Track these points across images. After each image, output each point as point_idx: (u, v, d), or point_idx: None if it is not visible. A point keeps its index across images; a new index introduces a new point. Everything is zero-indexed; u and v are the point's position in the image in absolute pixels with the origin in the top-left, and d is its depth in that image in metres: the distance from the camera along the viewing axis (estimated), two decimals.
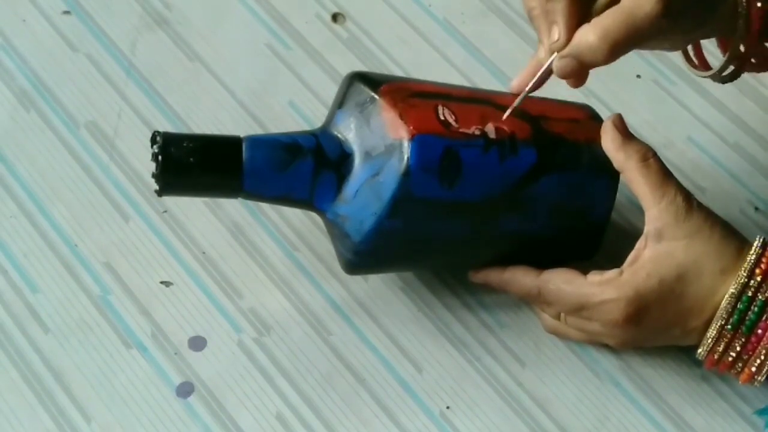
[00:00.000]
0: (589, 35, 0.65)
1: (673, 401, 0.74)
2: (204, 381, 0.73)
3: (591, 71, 0.85)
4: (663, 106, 0.86)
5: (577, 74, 0.67)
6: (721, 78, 0.72)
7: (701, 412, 0.73)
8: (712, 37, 0.72)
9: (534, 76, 0.70)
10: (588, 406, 0.73)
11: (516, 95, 0.70)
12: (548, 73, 0.68)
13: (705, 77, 0.73)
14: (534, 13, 0.67)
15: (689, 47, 0.74)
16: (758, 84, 0.87)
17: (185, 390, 0.72)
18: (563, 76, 0.67)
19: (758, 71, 0.73)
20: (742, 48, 0.70)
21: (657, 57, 0.88)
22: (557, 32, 0.66)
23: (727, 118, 0.86)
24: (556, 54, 0.66)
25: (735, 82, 0.87)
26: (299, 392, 0.72)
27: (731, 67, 0.71)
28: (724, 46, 0.73)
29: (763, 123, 0.86)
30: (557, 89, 0.70)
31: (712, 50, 0.74)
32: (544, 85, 0.70)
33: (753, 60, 0.71)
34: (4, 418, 0.70)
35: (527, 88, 0.69)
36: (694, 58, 0.74)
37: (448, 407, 0.73)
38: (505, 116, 0.68)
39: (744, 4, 0.68)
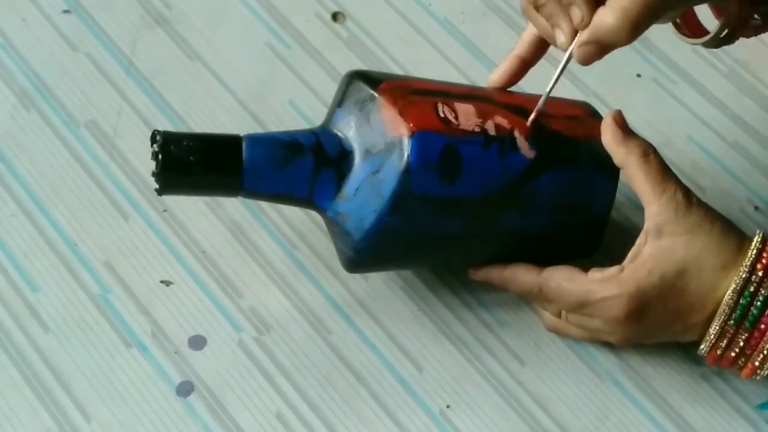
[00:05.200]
0: (608, 18, 0.63)
1: (673, 400, 0.74)
2: (204, 380, 0.72)
3: (591, 70, 0.85)
4: (663, 105, 0.86)
5: (597, 59, 0.66)
6: (716, 42, 0.71)
7: (701, 410, 0.73)
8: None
9: (511, 70, 0.71)
10: (588, 405, 0.73)
11: (517, 96, 0.71)
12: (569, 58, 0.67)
13: (698, 44, 0.72)
14: (542, 0, 0.66)
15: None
16: (758, 83, 0.88)
17: (185, 389, 0.72)
18: (585, 63, 0.66)
19: (753, 35, 0.72)
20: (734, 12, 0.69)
21: (657, 56, 0.88)
22: (578, 13, 0.64)
23: (727, 117, 0.86)
24: (576, 40, 0.65)
25: (735, 81, 0.88)
26: (299, 391, 0.72)
27: (726, 31, 0.70)
28: (718, 11, 0.72)
29: (762, 122, 0.86)
30: (558, 88, 0.70)
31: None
32: (545, 84, 0.71)
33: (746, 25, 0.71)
34: (4, 418, 0.70)
35: (549, 86, 0.68)
36: (684, 27, 0.73)
37: (448, 406, 0.73)
38: (530, 121, 0.69)
39: None
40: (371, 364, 0.74)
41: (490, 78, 0.72)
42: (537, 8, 0.66)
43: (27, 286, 0.75)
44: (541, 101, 0.69)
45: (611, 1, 0.64)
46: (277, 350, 0.74)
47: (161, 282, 0.76)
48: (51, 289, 0.75)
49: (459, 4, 0.90)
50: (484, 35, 0.89)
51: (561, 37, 0.66)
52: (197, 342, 0.74)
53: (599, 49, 0.65)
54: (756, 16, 0.71)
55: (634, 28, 0.63)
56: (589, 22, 0.64)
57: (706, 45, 0.72)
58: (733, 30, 0.70)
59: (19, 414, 0.71)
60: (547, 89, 0.69)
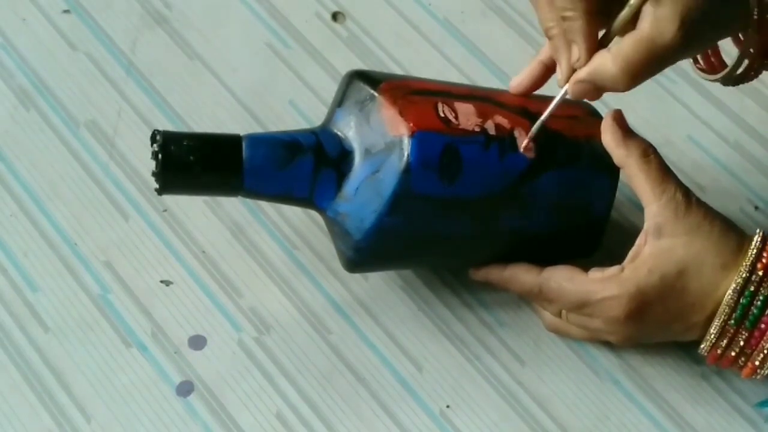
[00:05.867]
0: (609, 65, 0.63)
1: (673, 400, 0.74)
2: (204, 380, 0.73)
3: None
4: (663, 105, 0.86)
5: (592, 98, 0.66)
6: (732, 80, 0.70)
7: (700, 410, 0.73)
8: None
9: (534, 75, 0.70)
10: (588, 405, 0.73)
11: (516, 95, 0.71)
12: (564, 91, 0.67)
13: (714, 80, 0.71)
14: (552, 32, 0.65)
15: None
16: (758, 83, 0.87)
17: (185, 389, 0.72)
18: (578, 98, 0.66)
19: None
20: (746, 62, 0.68)
21: None
22: (576, 52, 0.64)
23: (727, 116, 0.86)
24: (574, 75, 0.65)
25: None
26: (299, 391, 0.72)
27: (743, 66, 0.69)
28: (738, 42, 0.71)
29: (763, 122, 0.86)
30: (558, 89, 0.70)
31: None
32: (545, 85, 0.71)
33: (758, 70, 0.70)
34: (4, 418, 0.70)
35: (543, 116, 0.68)
36: (701, 61, 0.73)
37: (448, 406, 0.73)
38: (525, 143, 0.68)
39: (755, 16, 0.65)
40: (371, 364, 0.74)
41: (511, 83, 0.71)
42: (548, 37, 0.66)
43: (27, 286, 0.75)
44: (534, 128, 0.69)
45: (615, 47, 0.63)
46: (277, 350, 0.74)
47: (161, 282, 0.76)
48: (51, 289, 0.75)
49: (459, 4, 0.90)
50: (484, 35, 0.89)
51: (558, 73, 0.66)
52: (197, 342, 0.74)
53: (594, 90, 0.65)
54: None
55: (634, 78, 0.63)
56: (586, 63, 0.64)
57: (723, 82, 0.71)
58: (751, 65, 0.69)
59: (19, 414, 0.71)
60: (541, 118, 0.68)
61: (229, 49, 0.87)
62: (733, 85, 0.71)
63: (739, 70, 0.69)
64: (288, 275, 0.77)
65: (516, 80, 0.72)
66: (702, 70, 0.73)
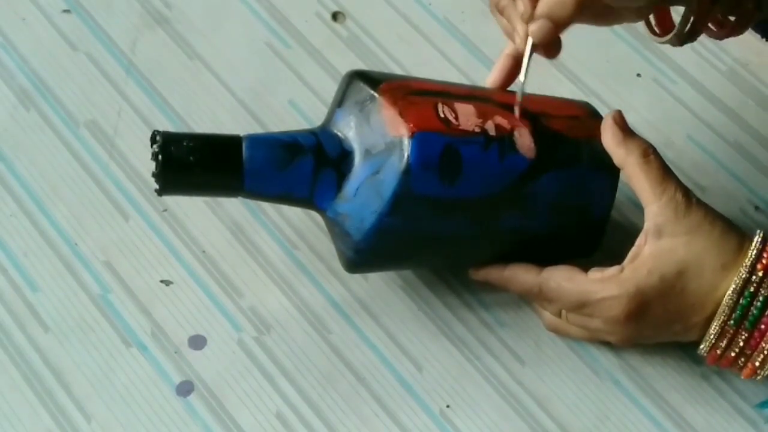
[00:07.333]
0: None
1: (673, 400, 0.74)
2: (204, 380, 0.73)
3: (591, 70, 0.85)
4: (663, 105, 0.86)
5: (552, 35, 0.68)
6: (679, 39, 0.73)
7: (701, 410, 0.74)
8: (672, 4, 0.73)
9: (505, 68, 0.72)
10: (588, 405, 0.73)
11: (500, 90, 0.72)
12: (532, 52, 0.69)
13: (664, 42, 0.74)
14: (502, 3, 0.69)
15: (651, 16, 0.75)
16: (758, 83, 0.88)
17: (185, 389, 0.72)
18: (541, 40, 0.68)
19: (726, 36, 0.74)
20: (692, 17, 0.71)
21: (657, 56, 0.88)
22: (521, 4, 0.68)
23: (727, 116, 0.86)
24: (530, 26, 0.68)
25: (735, 80, 0.88)
26: (299, 391, 0.72)
27: (688, 26, 0.72)
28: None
29: (763, 122, 0.86)
30: (558, 88, 0.70)
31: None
32: (545, 85, 0.71)
33: (710, 25, 0.73)
34: (4, 417, 0.70)
35: (521, 74, 0.70)
36: (655, 27, 0.75)
37: (448, 406, 0.73)
38: (517, 112, 0.70)
39: None
40: (371, 364, 0.74)
41: (487, 80, 0.73)
42: (500, 11, 0.70)
43: (27, 286, 0.75)
44: (519, 84, 0.70)
45: None
46: (277, 350, 0.74)
47: (161, 282, 0.76)
48: (51, 289, 0.75)
49: (459, 4, 0.90)
50: (484, 35, 0.89)
51: (516, 38, 0.69)
52: (197, 342, 0.74)
53: (551, 24, 0.67)
54: (731, 17, 0.72)
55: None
56: (532, 10, 0.67)
57: (671, 43, 0.73)
58: (695, 25, 0.71)
59: (19, 414, 0.71)
60: (521, 80, 0.70)
61: (229, 48, 0.87)
62: (682, 45, 0.73)
63: (687, 27, 0.71)
64: (288, 275, 0.77)
65: (490, 78, 0.73)
66: (657, 34, 0.74)
